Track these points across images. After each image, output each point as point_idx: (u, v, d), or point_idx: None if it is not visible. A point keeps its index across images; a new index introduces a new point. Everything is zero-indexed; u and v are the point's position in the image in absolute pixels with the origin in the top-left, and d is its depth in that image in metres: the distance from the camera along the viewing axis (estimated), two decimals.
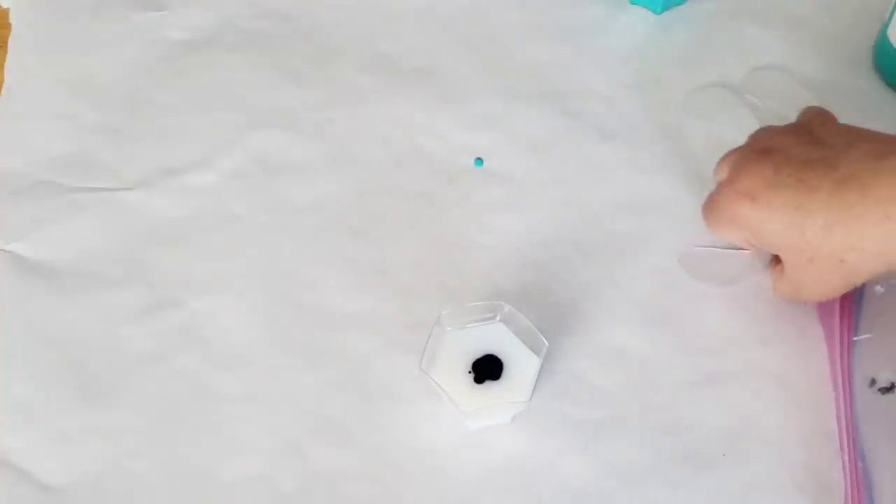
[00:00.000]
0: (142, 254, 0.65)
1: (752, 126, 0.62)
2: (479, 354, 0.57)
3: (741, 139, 0.61)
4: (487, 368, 0.56)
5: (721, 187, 0.60)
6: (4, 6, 0.74)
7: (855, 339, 0.62)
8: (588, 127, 0.70)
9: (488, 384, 0.56)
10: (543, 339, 0.56)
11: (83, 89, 0.71)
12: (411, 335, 0.61)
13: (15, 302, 0.63)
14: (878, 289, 0.63)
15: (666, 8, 0.75)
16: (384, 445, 0.59)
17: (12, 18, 0.73)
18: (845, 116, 0.70)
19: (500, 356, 0.57)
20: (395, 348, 0.62)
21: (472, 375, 0.57)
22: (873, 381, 0.61)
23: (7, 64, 0.72)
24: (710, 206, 0.61)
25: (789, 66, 0.72)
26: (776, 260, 0.61)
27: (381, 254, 0.65)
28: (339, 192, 0.68)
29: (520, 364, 0.57)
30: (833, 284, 0.57)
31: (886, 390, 0.60)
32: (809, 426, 0.60)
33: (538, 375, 0.56)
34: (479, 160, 0.69)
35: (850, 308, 0.62)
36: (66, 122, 0.70)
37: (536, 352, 0.57)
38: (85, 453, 0.59)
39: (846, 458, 0.57)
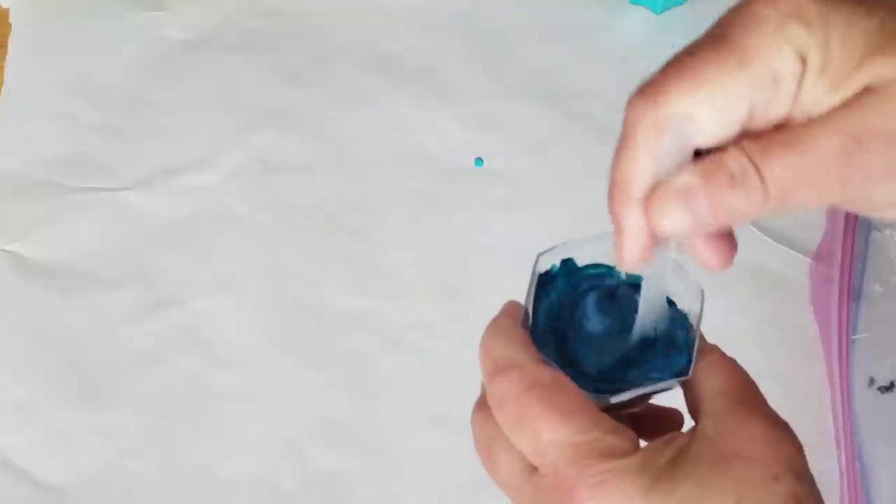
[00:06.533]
0: (141, 254, 0.65)
1: None
2: None
3: None
4: None
5: None
6: (4, 6, 0.74)
7: (854, 337, 0.62)
8: (588, 127, 0.70)
9: None
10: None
11: (82, 89, 0.71)
12: (411, 335, 0.61)
13: (15, 302, 0.63)
14: (878, 288, 0.63)
15: (666, 8, 0.75)
16: (384, 445, 0.59)
17: (12, 18, 0.73)
18: None
19: None
20: (395, 348, 0.62)
21: None
22: (872, 380, 0.61)
23: (6, 64, 0.72)
24: None
25: None
26: None
27: (381, 254, 0.65)
28: (339, 192, 0.67)
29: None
30: None
31: (886, 389, 0.60)
32: (808, 426, 0.59)
33: None
34: (479, 160, 0.69)
35: (848, 306, 0.62)
36: (65, 121, 0.70)
37: None
38: (85, 453, 0.59)
39: (843, 457, 0.58)
